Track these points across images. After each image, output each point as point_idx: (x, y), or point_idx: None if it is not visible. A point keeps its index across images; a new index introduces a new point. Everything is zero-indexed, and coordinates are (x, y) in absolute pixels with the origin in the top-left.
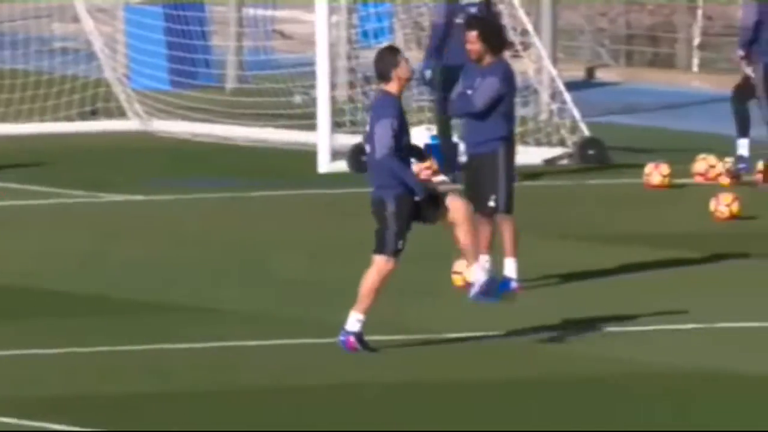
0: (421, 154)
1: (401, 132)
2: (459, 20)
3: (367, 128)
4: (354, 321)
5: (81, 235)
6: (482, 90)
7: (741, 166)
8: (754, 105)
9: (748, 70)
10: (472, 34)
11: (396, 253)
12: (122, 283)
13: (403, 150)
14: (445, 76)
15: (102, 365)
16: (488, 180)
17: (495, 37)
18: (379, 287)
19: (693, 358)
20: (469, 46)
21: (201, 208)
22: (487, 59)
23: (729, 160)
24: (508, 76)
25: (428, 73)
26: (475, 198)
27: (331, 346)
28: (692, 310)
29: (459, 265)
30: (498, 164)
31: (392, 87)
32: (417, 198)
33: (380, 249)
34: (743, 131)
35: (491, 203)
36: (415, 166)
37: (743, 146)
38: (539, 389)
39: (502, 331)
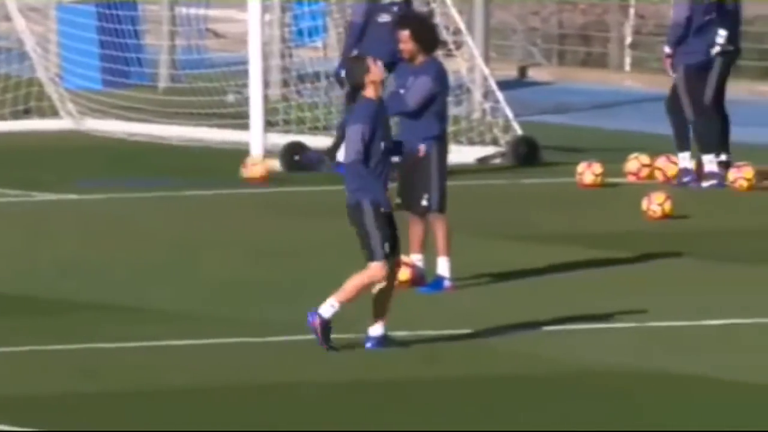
0: (398, 149)
1: (374, 138)
2: (381, 19)
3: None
4: (328, 306)
5: (13, 234)
6: (415, 89)
7: (686, 179)
8: None
9: (672, 72)
10: (404, 33)
11: (387, 256)
12: (53, 282)
13: (378, 155)
14: None
15: (30, 365)
16: (421, 179)
17: (427, 36)
18: (365, 288)
19: (625, 357)
20: (401, 46)
21: (134, 207)
22: (420, 58)
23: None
24: (440, 75)
25: (343, 72)
26: (408, 197)
27: (262, 345)
28: (624, 310)
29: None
30: (431, 164)
31: (369, 92)
32: (383, 210)
33: (370, 257)
34: (682, 144)
35: (424, 202)
36: None
37: (685, 159)
38: (472, 388)
39: (436, 330)
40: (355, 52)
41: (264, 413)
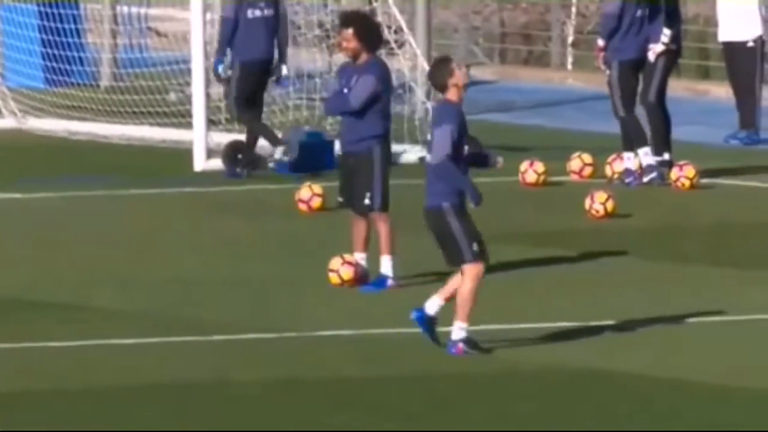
0: (485, 161)
1: (461, 141)
2: (250, 15)
3: (428, 137)
4: (458, 330)
5: None
6: (358, 88)
7: (628, 179)
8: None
9: (605, 67)
10: (348, 32)
11: (479, 255)
12: None
13: (464, 159)
14: (242, 72)
15: None
16: (364, 178)
17: (371, 35)
18: (476, 291)
19: (566, 356)
20: (345, 44)
21: (76, 206)
22: (363, 57)
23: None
24: (384, 74)
25: (220, 69)
26: (351, 196)
27: (204, 343)
28: (567, 308)
29: (334, 263)
30: (374, 163)
31: (451, 95)
32: (474, 206)
33: (460, 260)
34: (627, 144)
35: (367, 201)
36: None
37: (630, 159)
38: (417, 386)
39: (380, 329)
40: (228, 50)
41: (203, 411)
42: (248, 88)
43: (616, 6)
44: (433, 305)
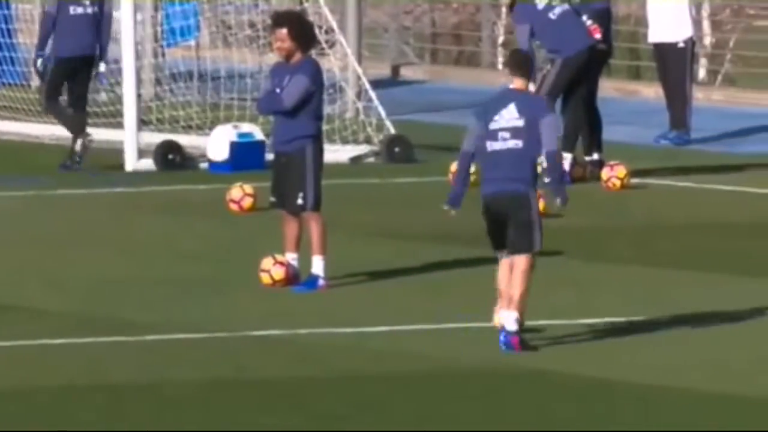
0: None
1: None
2: (73, 11)
3: (506, 123)
4: (512, 322)
5: None
6: (291, 88)
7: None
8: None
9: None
10: (282, 32)
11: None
12: None
13: None
14: (58, 66)
15: None
16: (297, 178)
17: (305, 34)
18: (531, 282)
19: (500, 356)
20: (279, 44)
21: (6, 205)
22: (297, 56)
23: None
24: (317, 74)
25: (39, 63)
26: (283, 195)
27: (134, 344)
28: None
29: (266, 263)
30: (306, 162)
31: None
32: (561, 204)
33: (528, 248)
34: (567, 146)
35: (299, 201)
36: None
37: (567, 159)
38: (347, 386)
39: (310, 329)
40: (49, 44)
41: (134, 412)
42: (60, 81)
43: (525, 33)
44: (510, 321)
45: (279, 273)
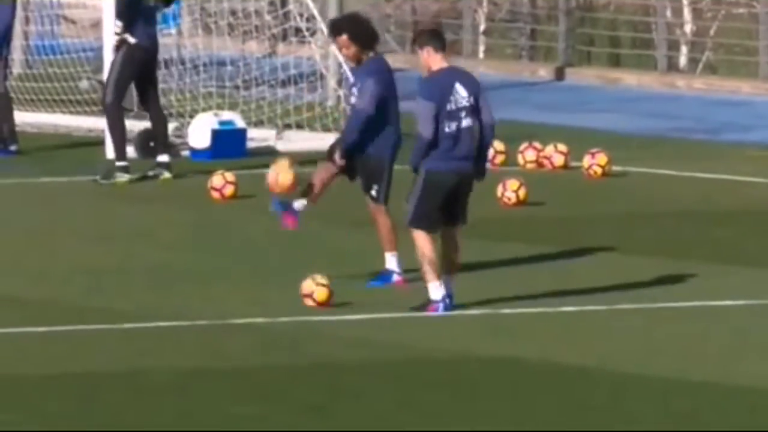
0: None
1: None
2: None
3: (462, 103)
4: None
5: None
6: (361, 94)
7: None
8: None
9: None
10: (343, 39)
11: None
12: None
13: None
14: None
15: None
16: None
17: (364, 34)
18: None
19: (475, 344)
20: (344, 52)
21: None
22: (364, 58)
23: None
24: (379, 72)
25: None
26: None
27: (113, 332)
28: (475, 296)
29: (307, 286)
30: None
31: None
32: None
33: (465, 220)
34: None
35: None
36: None
37: None
38: (316, 375)
39: (284, 317)
40: None
41: (112, 400)
42: None
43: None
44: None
45: (323, 294)
